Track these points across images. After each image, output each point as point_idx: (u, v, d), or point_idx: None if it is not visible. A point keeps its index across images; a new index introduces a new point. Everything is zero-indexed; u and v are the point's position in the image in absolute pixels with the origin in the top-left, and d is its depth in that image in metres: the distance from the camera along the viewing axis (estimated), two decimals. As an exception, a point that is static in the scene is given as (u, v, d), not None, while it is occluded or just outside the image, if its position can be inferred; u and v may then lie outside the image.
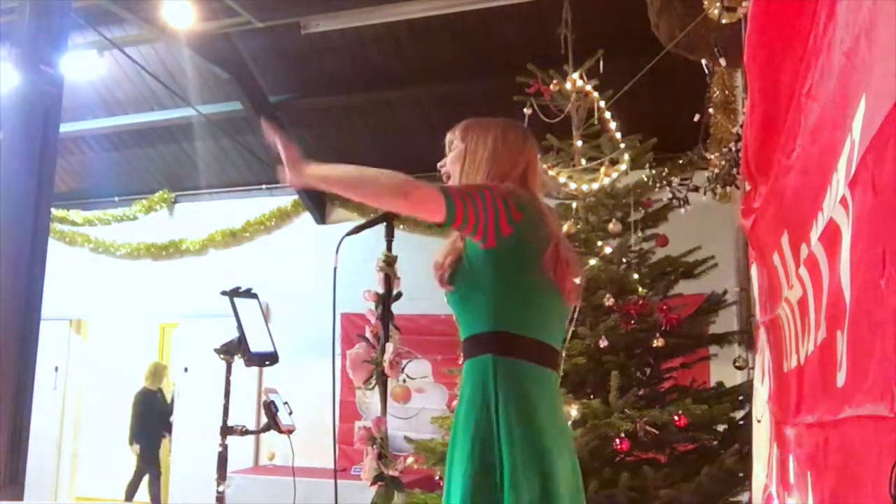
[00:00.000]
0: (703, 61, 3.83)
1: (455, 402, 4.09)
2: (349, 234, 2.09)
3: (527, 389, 1.70)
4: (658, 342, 3.66)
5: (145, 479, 7.37)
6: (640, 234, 4.04)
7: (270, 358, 2.74)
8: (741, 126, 3.03)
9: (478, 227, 1.68)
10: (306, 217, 7.76)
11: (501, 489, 1.62)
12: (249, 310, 2.73)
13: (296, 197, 7.70)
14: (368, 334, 2.24)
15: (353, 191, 1.78)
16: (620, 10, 5.11)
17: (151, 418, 7.50)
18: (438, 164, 1.95)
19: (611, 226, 3.96)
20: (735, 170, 3.35)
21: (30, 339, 3.93)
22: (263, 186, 7.92)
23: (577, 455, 1.80)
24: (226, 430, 2.64)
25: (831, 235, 1.14)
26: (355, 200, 1.84)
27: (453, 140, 1.93)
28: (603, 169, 3.91)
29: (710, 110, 3.89)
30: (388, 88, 6.86)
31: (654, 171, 4.04)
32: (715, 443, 3.72)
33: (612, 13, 5.36)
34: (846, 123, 1.04)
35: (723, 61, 3.54)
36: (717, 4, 3.08)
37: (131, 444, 7.35)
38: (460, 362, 3.71)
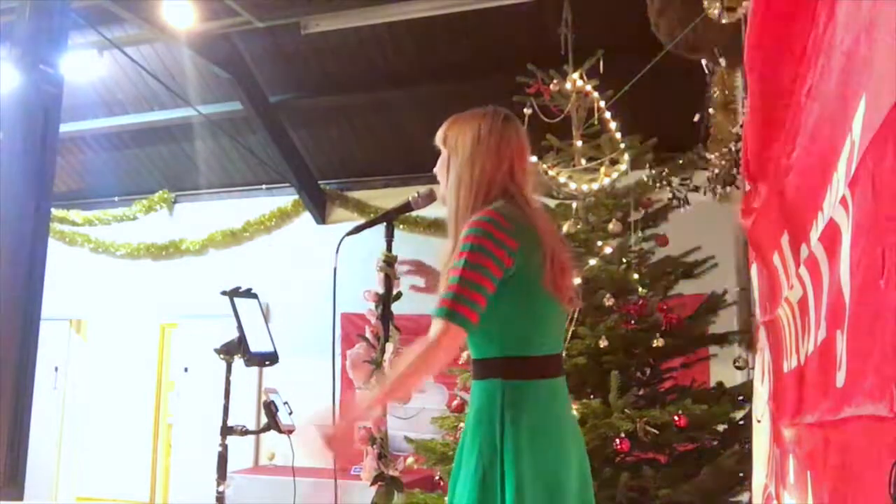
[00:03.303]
0: (703, 61, 3.83)
1: (455, 402, 4.09)
2: (349, 234, 2.10)
3: (535, 408, 1.71)
4: (658, 342, 3.65)
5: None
6: (640, 234, 4.03)
7: (270, 358, 2.75)
8: (741, 126, 3.03)
9: (490, 294, 1.68)
10: (306, 217, 7.75)
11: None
12: (249, 310, 2.73)
13: (296, 197, 7.70)
14: (368, 334, 2.24)
15: (402, 393, 1.83)
16: (620, 10, 5.10)
17: None
18: (434, 170, 1.95)
19: (611, 226, 3.95)
20: (735, 170, 3.36)
21: (30, 339, 3.93)
22: (263, 186, 7.91)
23: (587, 459, 1.81)
24: (226, 430, 2.64)
25: (831, 235, 1.14)
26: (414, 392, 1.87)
27: (438, 144, 1.93)
28: (603, 169, 3.90)
29: (710, 110, 3.89)
30: (388, 88, 6.85)
31: (654, 171, 4.04)
32: (715, 443, 3.72)
33: (612, 13, 5.36)
34: (846, 123, 1.04)
35: (723, 61, 3.55)
36: (717, 4, 3.08)
37: None
38: (460, 362, 3.71)
